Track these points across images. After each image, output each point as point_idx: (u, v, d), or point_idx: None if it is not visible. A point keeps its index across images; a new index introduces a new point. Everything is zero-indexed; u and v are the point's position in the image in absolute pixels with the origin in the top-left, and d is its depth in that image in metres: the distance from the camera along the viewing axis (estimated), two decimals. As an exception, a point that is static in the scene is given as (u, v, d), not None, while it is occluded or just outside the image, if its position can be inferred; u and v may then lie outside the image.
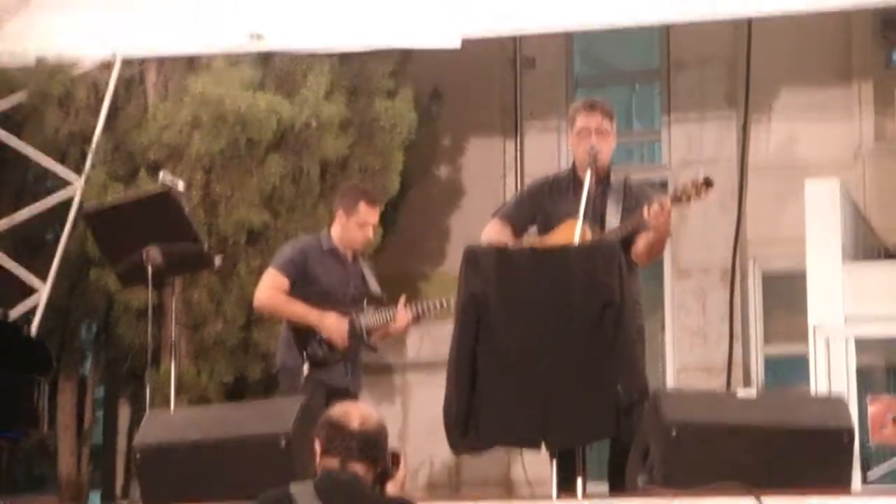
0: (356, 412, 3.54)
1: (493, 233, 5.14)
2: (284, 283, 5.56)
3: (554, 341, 4.55)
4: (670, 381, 8.49)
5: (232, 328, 7.47)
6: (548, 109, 8.84)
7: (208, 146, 7.48)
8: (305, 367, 5.48)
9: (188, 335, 7.56)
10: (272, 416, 4.50)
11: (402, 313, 5.61)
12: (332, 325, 5.50)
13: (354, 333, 5.55)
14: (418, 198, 8.78)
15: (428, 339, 8.67)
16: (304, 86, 7.67)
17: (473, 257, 4.75)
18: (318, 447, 3.53)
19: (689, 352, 8.48)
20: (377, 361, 8.76)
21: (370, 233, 5.62)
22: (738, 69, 8.51)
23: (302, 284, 5.58)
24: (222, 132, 7.47)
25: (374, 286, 5.69)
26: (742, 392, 4.50)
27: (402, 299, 5.67)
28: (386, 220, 8.24)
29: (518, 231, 5.19)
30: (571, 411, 4.43)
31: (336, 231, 5.66)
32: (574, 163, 5.21)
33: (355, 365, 5.63)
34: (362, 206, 5.59)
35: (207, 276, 7.22)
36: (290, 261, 5.59)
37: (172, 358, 5.85)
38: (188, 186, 7.39)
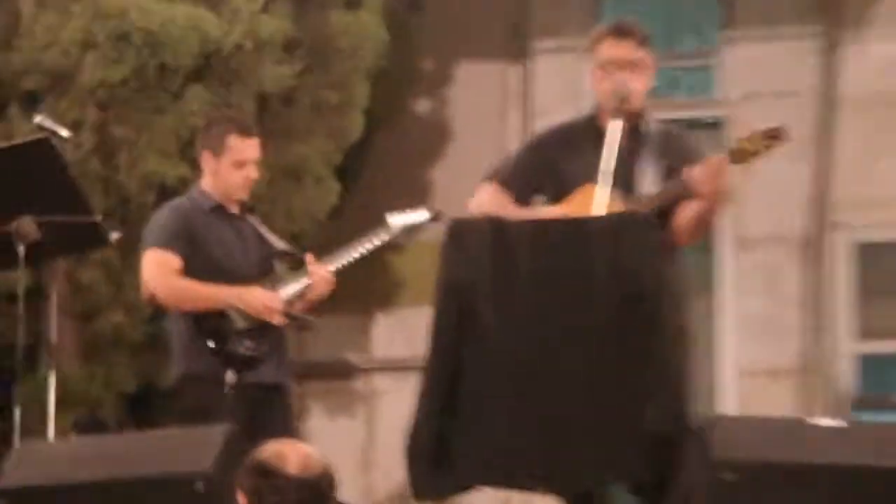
0: (293, 454, 3.52)
1: (487, 202, 5.11)
2: (175, 262, 5.50)
3: (564, 346, 4.53)
4: (725, 391, 8.51)
5: (135, 319, 7.47)
6: (565, 22, 8.79)
7: (105, 73, 7.43)
8: (229, 374, 5.43)
9: (76, 329, 7.55)
10: (186, 450, 4.49)
11: (317, 269, 5.58)
12: (260, 298, 5.45)
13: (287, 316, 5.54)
14: (389, 143, 8.77)
15: (400, 330, 8.70)
16: (236, -8, 7.65)
17: (458, 232, 4.73)
18: (241, 501, 3.53)
19: (752, 349, 8.51)
20: (331, 360, 8.82)
21: (252, 172, 5.58)
22: (823, -33, 8.49)
23: (192, 263, 5.52)
24: (125, 55, 7.42)
25: (278, 242, 5.65)
26: (825, 421, 4.47)
27: (310, 256, 5.64)
28: (345, 174, 8.30)
29: (520, 199, 5.15)
30: (586, 442, 4.41)
31: (208, 182, 5.62)
32: (596, 106, 5.18)
33: (283, 352, 5.63)
34: (233, 140, 5.55)
35: (103, 251, 7.20)
36: (173, 234, 5.53)
37: (53, 359, 5.83)
38: (77, 128, 7.38)
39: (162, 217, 5.67)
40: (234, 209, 5.65)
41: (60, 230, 5.40)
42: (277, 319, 5.49)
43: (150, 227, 5.69)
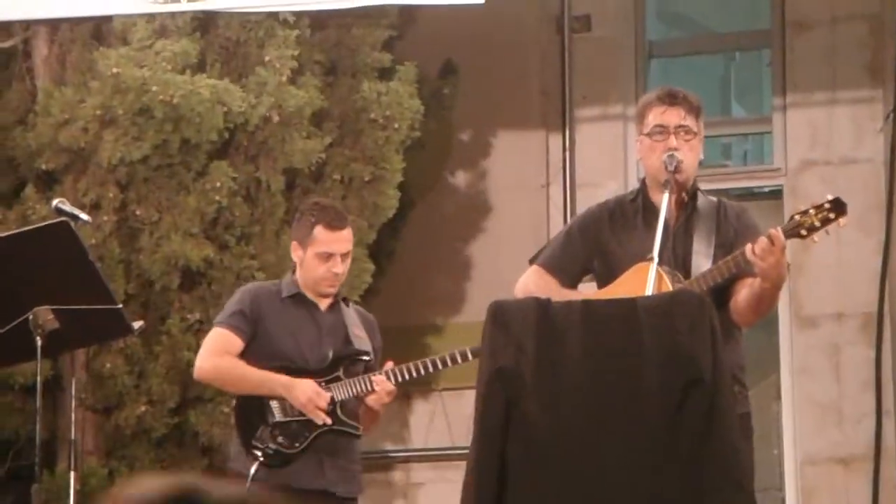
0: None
1: (533, 286, 5.10)
2: (235, 343, 5.58)
3: (617, 437, 4.49)
4: (790, 479, 8.43)
5: (160, 411, 7.46)
6: (609, 90, 8.83)
7: (125, 151, 7.48)
8: (253, 467, 5.45)
9: (96, 422, 7.55)
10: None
11: (380, 379, 5.60)
12: (307, 393, 5.49)
13: (332, 418, 5.54)
14: (426, 219, 8.78)
15: (440, 419, 8.66)
16: (262, 64, 7.69)
17: (502, 315, 4.70)
18: None
19: (816, 434, 8.44)
20: (368, 450, 8.80)
21: (338, 267, 5.63)
22: (887, 29, 8.48)
23: (255, 348, 5.60)
24: (146, 131, 7.48)
25: (361, 343, 5.68)
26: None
27: (389, 364, 5.67)
28: (380, 252, 8.31)
29: (568, 281, 5.15)
30: (644, 544, 4.38)
31: (298, 272, 5.70)
32: (644, 179, 5.18)
33: (337, 456, 5.62)
34: (319, 232, 5.61)
35: (125, 339, 7.22)
36: (238, 313, 5.62)
37: (73, 455, 5.83)
38: (96, 209, 7.43)
39: (237, 294, 5.79)
40: (322, 301, 5.69)
41: (80, 319, 5.42)
42: (320, 418, 5.51)
43: (227, 303, 5.81)
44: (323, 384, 5.58)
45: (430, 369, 5.74)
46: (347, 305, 5.76)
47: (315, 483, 5.54)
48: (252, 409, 5.58)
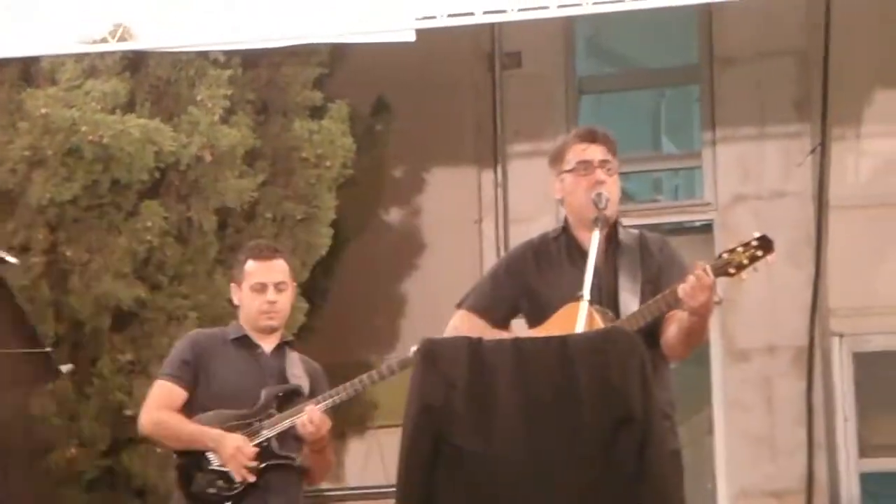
0: None
1: (462, 329, 5.07)
2: (177, 394, 5.60)
3: (549, 474, 4.47)
4: (724, 513, 8.45)
5: (91, 453, 7.40)
6: (541, 126, 8.86)
7: (55, 192, 7.43)
8: None
9: (25, 465, 7.44)
10: None
11: (311, 409, 5.59)
12: (229, 449, 5.49)
13: (261, 449, 5.53)
14: (359, 257, 8.76)
15: (375, 458, 8.62)
16: (193, 103, 7.67)
17: (433, 352, 4.67)
18: None
19: (750, 468, 8.46)
20: (305, 491, 8.73)
21: (273, 296, 5.63)
22: (813, 65, 8.56)
23: (198, 392, 5.60)
24: (75, 172, 7.43)
25: (298, 380, 5.66)
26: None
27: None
28: (314, 290, 8.27)
29: (497, 323, 5.14)
30: (576, 582, 4.36)
31: (240, 313, 5.72)
32: (567, 218, 5.18)
33: (279, 492, 5.59)
34: (250, 266, 5.64)
35: (55, 382, 7.15)
36: (179, 363, 5.63)
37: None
38: (25, 251, 7.36)
39: (179, 346, 5.77)
40: (267, 342, 5.68)
41: (9, 363, 5.37)
42: (240, 474, 5.50)
43: (171, 351, 5.80)
44: (257, 422, 5.56)
45: (360, 388, 5.69)
46: (292, 350, 5.74)
47: None
48: (189, 457, 5.57)
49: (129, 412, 5.81)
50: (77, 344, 7.59)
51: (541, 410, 4.51)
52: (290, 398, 5.64)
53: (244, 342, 5.66)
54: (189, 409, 5.62)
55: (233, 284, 5.73)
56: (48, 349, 5.47)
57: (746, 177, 8.66)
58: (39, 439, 7.44)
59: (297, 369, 5.69)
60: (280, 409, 5.60)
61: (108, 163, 7.41)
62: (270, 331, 5.67)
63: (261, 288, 5.61)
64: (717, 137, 8.72)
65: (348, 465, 8.89)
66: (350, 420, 8.67)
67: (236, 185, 7.72)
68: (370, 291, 8.87)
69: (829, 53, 8.44)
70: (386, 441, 8.56)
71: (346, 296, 8.72)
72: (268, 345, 5.67)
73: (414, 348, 5.70)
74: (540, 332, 5.03)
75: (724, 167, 8.72)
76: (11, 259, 5.57)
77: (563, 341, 4.67)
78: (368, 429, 8.80)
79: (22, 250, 7.34)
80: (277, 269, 5.66)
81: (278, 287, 5.64)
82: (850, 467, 8.36)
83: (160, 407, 5.59)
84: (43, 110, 7.43)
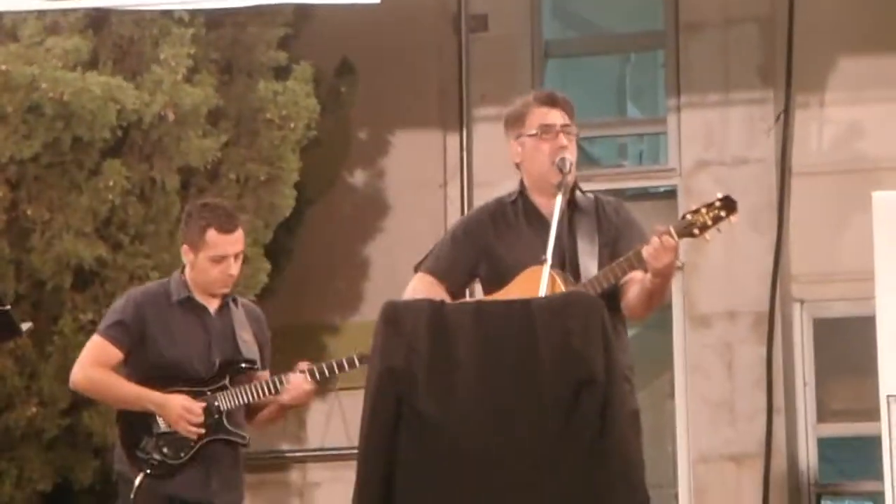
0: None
1: (421, 292, 5.06)
2: (113, 354, 5.54)
3: (511, 437, 4.47)
4: (682, 476, 8.47)
5: (51, 412, 7.35)
6: (506, 89, 8.80)
7: (15, 149, 7.35)
8: (139, 478, 5.40)
9: (-15, 424, 7.42)
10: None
11: (298, 380, 5.56)
12: (177, 411, 5.44)
13: (209, 421, 5.48)
14: (322, 219, 8.73)
15: (337, 419, 8.62)
16: (156, 61, 7.60)
17: (395, 315, 4.65)
18: None
19: (710, 433, 8.49)
20: (264, 451, 8.72)
21: (232, 268, 5.58)
22: (777, 32, 8.55)
23: (141, 356, 5.54)
24: (36, 129, 7.36)
25: (248, 349, 5.61)
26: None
27: (303, 363, 5.62)
28: (277, 251, 8.24)
29: (454, 288, 5.12)
30: (536, 544, 4.36)
31: (189, 273, 5.64)
32: (523, 181, 5.16)
33: (223, 466, 5.56)
34: (212, 236, 5.56)
35: (14, 341, 7.11)
36: (118, 324, 5.56)
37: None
38: (-15, 208, 7.31)
39: (118, 304, 5.69)
40: (212, 302, 5.63)
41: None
42: (191, 433, 5.46)
43: (109, 309, 5.72)
44: (209, 393, 5.52)
45: (347, 368, 5.68)
46: (237, 305, 5.69)
47: (199, 494, 5.50)
48: (135, 417, 5.52)
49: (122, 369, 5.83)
50: (38, 303, 7.55)
51: (502, 374, 4.52)
52: (241, 370, 5.60)
53: (190, 304, 5.60)
54: (133, 373, 5.55)
55: (186, 246, 5.62)
56: (7, 307, 5.41)
57: (710, 143, 8.66)
58: (0, 397, 7.41)
59: (246, 332, 5.64)
60: (233, 381, 5.56)
61: (70, 120, 7.35)
62: (220, 296, 5.63)
63: (221, 259, 5.56)
64: (681, 103, 8.71)
65: (310, 426, 8.88)
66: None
67: (199, 145, 7.67)
68: (333, 253, 8.84)
69: (793, 20, 8.44)
70: (347, 403, 8.55)
71: (309, 257, 8.69)
72: (213, 305, 5.63)
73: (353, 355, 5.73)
74: (500, 296, 5.02)
75: (689, 133, 8.71)
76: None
77: (526, 305, 4.67)
78: (330, 391, 8.77)
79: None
80: (238, 241, 5.61)
81: (237, 257, 5.60)
82: (809, 432, 8.40)
83: (94, 364, 5.53)
84: (3, 66, 7.35)
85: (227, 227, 5.58)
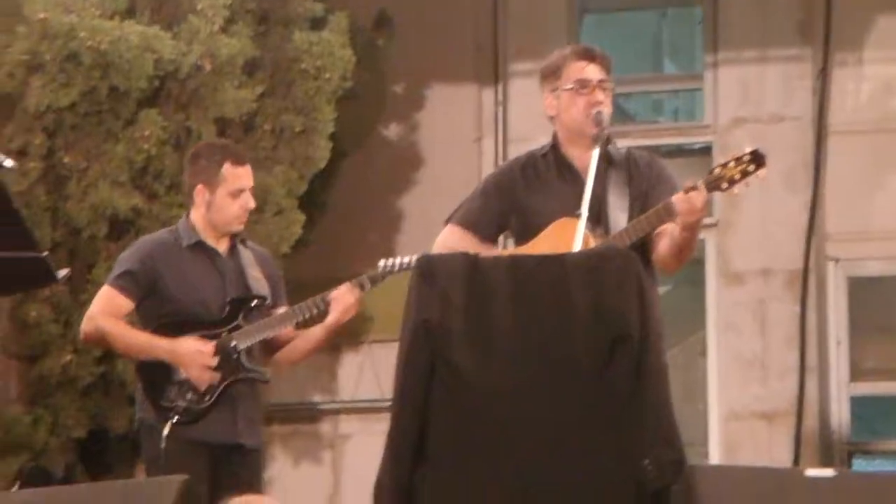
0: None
1: (451, 245, 5.05)
2: (122, 304, 5.47)
3: (544, 392, 4.46)
4: (714, 434, 8.46)
5: (86, 360, 7.39)
6: (543, 44, 8.75)
7: (53, 97, 7.37)
8: (167, 426, 5.35)
9: (21, 370, 7.45)
10: (137, 503, 4.41)
11: (342, 293, 5.48)
12: (187, 355, 5.40)
13: (228, 361, 5.45)
14: (357, 171, 8.72)
15: (369, 372, 8.63)
16: (193, 12, 7.59)
17: (430, 268, 4.63)
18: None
19: (741, 390, 8.47)
20: (295, 402, 8.75)
21: (249, 201, 5.53)
22: (815, -11, 8.50)
23: (153, 304, 5.48)
24: (74, 78, 7.37)
25: (259, 285, 5.55)
26: (814, 471, 4.43)
27: (344, 285, 5.54)
28: (311, 203, 8.23)
29: (486, 239, 5.11)
30: (569, 500, 4.34)
31: (199, 216, 5.55)
32: (556, 134, 5.13)
33: (246, 407, 5.55)
34: (228, 170, 5.50)
35: (50, 287, 7.13)
36: (127, 273, 5.48)
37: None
38: (22, 156, 7.31)
39: (126, 254, 5.62)
40: (222, 244, 5.56)
41: (4, 266, 5.31)
42: (202, 378, 5.40)
43: (118, 259, 5.65)
44: (224, 334, 5.47)
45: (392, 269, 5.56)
46: (245, 246, 5.63)
47: (228, 436, 5.45)
48: (155, 366, 5.45)
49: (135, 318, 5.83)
50: (73, 251, 7.58)
51: (536, 329, 4.50)
52: (254, 307, 5.54)
53: (201, 248, 5.53)
54: (146, 322, 5.50)
55: (200, 186, 5.51)
56: (45, 254, 5.40)
57: (747, 100, 8.60)
58: (34, 344, 7.44)
59: (255, 270, 5.58)
60: (246, 319, 5.50)
61: (107, 69, 7.35)
62: (231, 236, 5.57)
63: (239, 193, 5.50)
64: (718, 60, 8.65)
65: (342, 378, 8.89)
66: (343, 333, 8.64)
67: (235, 96, 7.66)
68: (367, 206, 8.83)
69: (833, -23, 8.38)
70: (380, 355, 8.56)
71: (342, 210, 8.69)
72: (222, 247, 5.57)
73: (382, 262, 5.68)
74: (530, 248, 5.02)
75: (725, 90, 8.66)
76: (9, 162, 5.48)
77: (560, 260, 4.65)
78: (363, 343, 8.80)
79: (19, 154, 7.30)
80: (251, 174, 5.57)
81: (251, 192, 5.56)
82: (841, 390, 8.38)
83: (104, 314, 5.46)
84: (41, 15, 7.36)
85: (241, 160, 5.54)
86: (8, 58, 7.45)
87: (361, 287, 5.58)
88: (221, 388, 5.45)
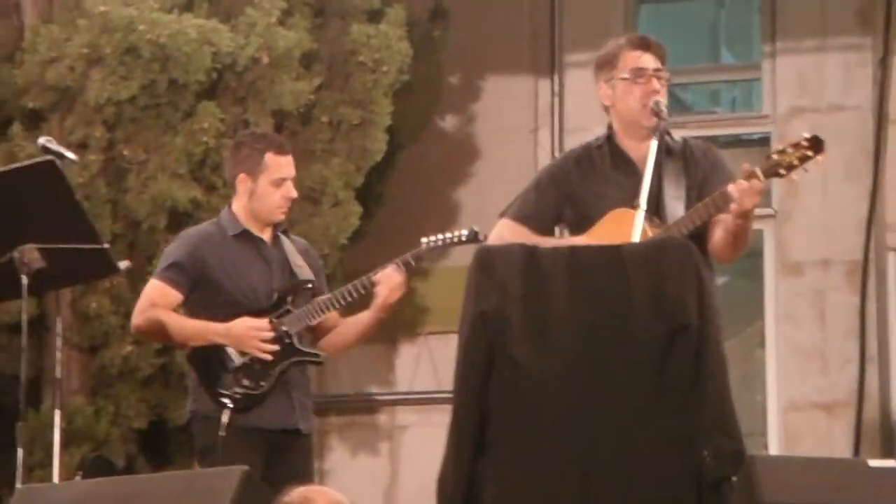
0: (321, 498, 3.47)
1: (507, 237, 5.04)
2: (171, 295, 5.50)
3: (604, 383, 4.44)
4: (773, 425, 8.43)
5: (146, 351, 7.45)
6: (599, 35, 8.74)
7: (113, 90, 7.43)
8: (225, 415, 5.34)
9: (82, 361, 7.53)
10: (199, 493, 4.44)
11: (388, 273, 5.49)
12: (244, 332, 5.40)
13: (282, 346, 5.45)
14: (414, 163, 8.73)
15: (426, 362, 8.65)
16: (251, 4, 7.63)
17: (489, 259, 4.64)
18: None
19: (800, 380, 8.44)
20: (352, 393, 8.79)
21: (292, 190, 5.53)
22: (876, -23, 8.44)
23: (202, 295, 5.50)
24: (133, 71, 7.43)
25: (303, 272, 5.56)
26: (877, 462, 4.40)
27: (389, 266, 5.55)
28: (368, 195, 8.26)
29: (541, 232, 5.11)
30: (629, 489, 4.35)
31: (242, 206, 5.57)
32: (611, 125, 5.13)
33: (300, 392, 5.55)
34: (270, 159, 5.50)
35: (110, 278, 7.19)
36: (174, 266, 5.52)
37: (58, 393, 5.79)
38: (82, 148, 7.38)
39: (173, 246, 5.66)
40: (265, 233, 5.59)
41: (66, 258, 5.36)
42: (261, 349, 5.41)
43: (164, 252, 5.69)
44: (274, 320, 5.48)
45: (424, 254, 5.59)
46: (287, 236, 5.65)
47: (287, 421, 5.47)
48: (209, 356, 5.47)
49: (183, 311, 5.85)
50: (133, 243, 7.64)
51: (595, 321, 4.49)
52: (300, 291, 5.54)
53: (247, 237, 5.54)
54: (195, 314, 5.52)
55: (242, 175, 5.51)
56: (105, 246, 5.44)
57: (805, 89, 8.55)
58: (95, 336, 7.50)
59: (298, 259, 5.59)
60: (294, 304, 5.51)
61: (166, 62, 7.41)
62: (274, 225, 5.58)
63: (281, 182, 5.50)
64: (777, 49, 8.61)
65: (399, 369, 8.91)
66: (400, 325, 8.68)
67: (293, 88, 7.69)
68: (424, 198, 8.84)
69: (894, -36, 8.32)
70: (436, 346, 8.58)
71: (399, 202, 8.70)
72: (266, 236, 5.57)
73: (425, 240, 5.68)
74: (586, 239, 5.01)
75: (783, 79, 8.61)
76: (70, 155, 5.52)
77: (618, 251, 4.64)
78: (419, 334, 8.82)
79: (80, 147, 7.36)
80: (293, 164, 5.58)
81: (294, 182, 5.57)
82: (904, 382, 8.34)
83: (154, 306, 5.49)
84: (102, 8, 7.43)
85: (283, 149, 5.56)
86: (68, 51, 7.52)
87: (407, 265, 5.58)
88: (277, 371, 5.47)
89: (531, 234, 5.06)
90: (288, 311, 5.51)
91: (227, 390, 5.41)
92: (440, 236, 5.63)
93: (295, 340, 5.49)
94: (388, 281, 5.52)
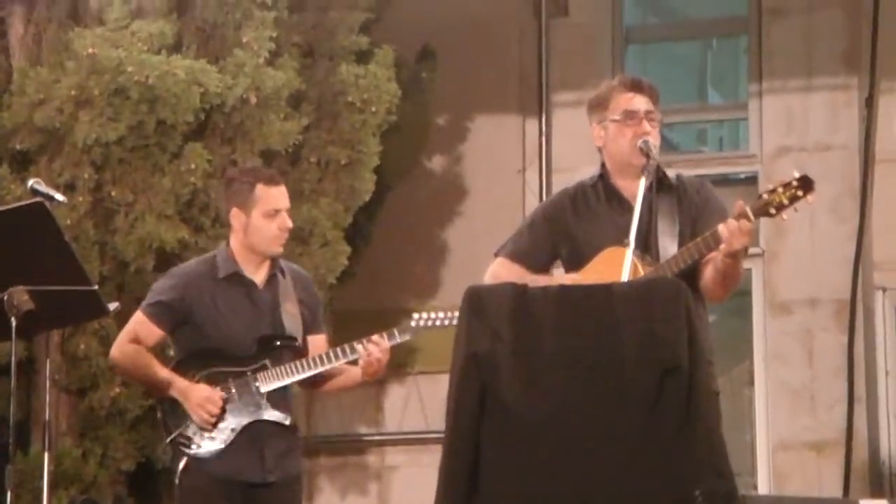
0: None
1: (502, 276, 5.06)
2: (153, 332, 5.49)
3: (595, 424, 4.45)
4: (762, 464, 8.43)
5: (134, 392, 7.42)
6: (586, 75, 8.80)
7: (101, 132, 7.44)
8: (182, 462, 5.35)
9: (71, 403, 7.51)
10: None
11: (373, 349, 5.48)
12: (196, 402, 5.37)
13: (251, 403, 5.39)
14: (402, 203, 8.75)
15: (415, 403, 8.64)
16: (239, 45, 7.65)
17: (478, 300, 4.63)
18: None
19: (789, 420, 8.44)
20: (341, 434, 8.77)
21: (287, 221, 5.50)
22: (861, 17, 8.47)
23: (185, 334, 5.49)
24: (121, 112, 7.44)
25: (291, 323, 5.52)
26: (866, 502, 4.42)
27: (376, 337, 5.53)
28: (356, 235, 8.27)
29: (535, 271, 5.13)
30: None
31: (238, 242, 5.52)
32: (604, 164, 5.16)
33: (276, 443, 5.46)
34: (261, 191, 5.47)
35: (99, 320, 7.18)
36: (160, 303, 5.50)
37: (47, 435, 5.77)
38: (71, 190, 7.38)
39: (161, 283, 5.63)
40: (259, 274, 5.54)
41: (55, 300, 5.36)
42: (203, 421, 5.36)
43: (152, 287, 5.67)
44: (249, 374, 5.45)
45: (429, 323, 5.60)
46: (284, 275, 5.57)
47: (254, 475, 5.41)
48: (174, 399, 5.45)
49: (171, 352, 5.82)
50: (121, 284, 7.63)
51: (585, 362, 4.47)
52: (283, 347, 5.49)
53: (238, 279, 5.49)
54: (179, 350, 5.51)
55: (235, 210, 5.48)
56: (95, 287, 5.44)
57: (792, 129, 8.60)
58: (84, 377, 7.48)
59: (291, 303, 5.54)
60: (274, 360, 5.46)
61: (154, 104, 7.42)
62: (272, 258, 5.53)
63: (275, 214, 5.46)
64: (763, 89, 8.66)
65: (388, 410, 8.91)
66: (389, 365, 8.66)
67: (281, 128, 7.71)
68: (412, 238, 8.87)
69: (878, 5, 8.36)
70: (425, 386, 8.58)
71: (387, 242, 8.72)
72: (260, 277, 5.52)
73: (416, 316, 5.67)
74: (579, 277, 5.02)
75: (770, 119, 8.66)
76: (60, 197, 5.52)
77: (608, 291, 4.64)
78: (408, 374, 8.82)
79: (67, 189, 7.37)
80: (286, 195, 5.54)
81: (288, 212, 5.53)
82: (891, 421, 8.34)
83: (132, 341, 5.48)
84: (90, 50, 7.44)
85: (274, 181, 5.52)
86: (57, 93, 7.52)
87: (392, 339, 5.57)
88: (240, 428, 5.42)
89: (526, 273, 5.07)
90: (265, 367, 5.46)
91: (188, 437, 5.40)
92: (432, 315, 5.62)
93: (263, 400, 5.44)
94: (374, 352, 5.51)
